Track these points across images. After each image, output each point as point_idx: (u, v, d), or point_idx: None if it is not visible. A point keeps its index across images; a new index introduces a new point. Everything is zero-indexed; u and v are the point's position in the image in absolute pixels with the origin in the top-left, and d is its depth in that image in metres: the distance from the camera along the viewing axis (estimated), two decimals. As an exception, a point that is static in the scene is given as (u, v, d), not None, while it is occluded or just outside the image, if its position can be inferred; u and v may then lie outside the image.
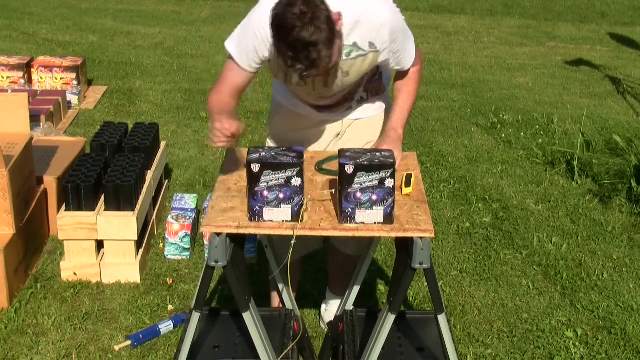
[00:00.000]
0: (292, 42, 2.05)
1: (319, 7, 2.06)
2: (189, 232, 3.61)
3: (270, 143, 2.80)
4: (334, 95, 2.57)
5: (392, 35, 2.34)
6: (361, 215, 2.07)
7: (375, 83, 2.66)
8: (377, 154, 2.12)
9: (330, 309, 3.06)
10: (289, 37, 2.05)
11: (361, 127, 2.70)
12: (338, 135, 2.71)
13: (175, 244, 3.60)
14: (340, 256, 2.93)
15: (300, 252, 2.83)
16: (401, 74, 2.54)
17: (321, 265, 3.44)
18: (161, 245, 3.71)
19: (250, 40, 2.33)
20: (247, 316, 2.18)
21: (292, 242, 2.08)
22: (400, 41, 2.39)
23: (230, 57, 2.41)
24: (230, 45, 2.40)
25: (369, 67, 2.45)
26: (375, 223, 2.08)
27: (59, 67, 5.90)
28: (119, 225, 3.34)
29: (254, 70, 2.42)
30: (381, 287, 3.43)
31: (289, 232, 2.10)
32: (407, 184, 2.28)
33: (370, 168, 2.04)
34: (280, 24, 2.07)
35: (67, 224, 3.32)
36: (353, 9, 2.26)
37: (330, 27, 2.08)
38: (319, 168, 2.42)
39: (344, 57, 2.32)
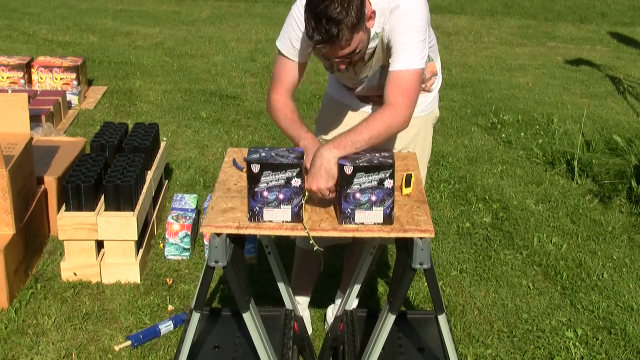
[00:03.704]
0: (317, 13, 2.14)
1: None
2: (189, 232, 3.61)
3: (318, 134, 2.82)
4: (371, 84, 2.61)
5: (398, 17, 2.33)
6: (360, 215, 2.07)
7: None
8: (377, 154, 2.13)
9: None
10: (316, 8, 2.15)
11: None
12: None
13: (175, 244, 3.60)
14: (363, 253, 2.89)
15: (326, 242, 2.75)
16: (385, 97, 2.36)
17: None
18: (161, 245, 3.71)
19: (291, 27, 2.42)
20: (247, 316, 2.19)
21: (316, 248, 2.10)
22: (399, 30, 2.32)
23: (279, 52, 2.51)
24: (278, 41, 2.50)
25: (383, 48, 2.44)
26: (374, 224, 2.09)
27: (59, 67, 5.90)
28: (119, 225, 3.34)
29: (302, 60, 2.47)
30: (381, 287, 3.43)
31: (288, 233, 2.11)
32: (407, 184, 2.28)
33: (369, 169, 2.04)
34: None
35: (67, 224, 3.32)
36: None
37: (358, 15, 2.17)
38: None
39: (375, 43, 2.41)
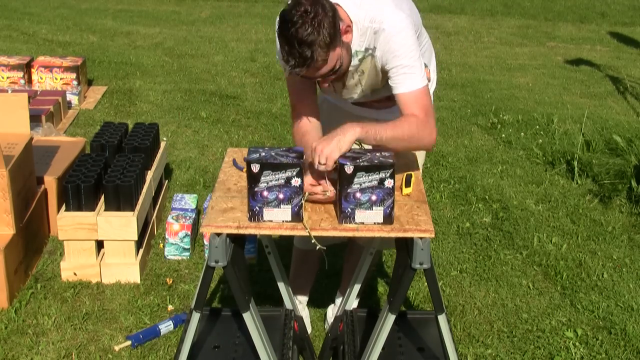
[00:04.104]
0: (288, 37, 2.10)
1: (325, 12, 2.11)
2: (189, 232, 3.61)
3: None
4: (363, 98, 2.56)
5: (388, 41, 2.27)
6: (361, 215, 2.07)
7: None
8: (377, 154, 2.13)
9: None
10: (287, 32, 2.10)
11: None
12: None
13: (175, 244, 3.60)
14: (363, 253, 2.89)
15: (326, 241, 2.75)
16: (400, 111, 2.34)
17: (320, 265, 3.43)
18: (161, 245, 3.71)
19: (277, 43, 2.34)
20: (247, 316, 2.19)
21: (318, 247, 2.10)
22: (395, 53, 2.28)
23: (284, 71, 2.41)
24: (277, 56, 2.41)
25: (377, 72, 2.40)
26: (374, 223, 2.09)
27: (59, 67, 5.90)
28: (119, 225, 3.34)
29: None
30: (381, 287, 3.43)
31: (289, 232, 2.11)
32: (407, 184, 2.28)
33: (369, 168, 2.04)
34: (283, 18, 2.13)
35: (67, 224, 3.32)
36: (365, 17, 2.27)
37: (331, 32, 2.12)
38: None
39: (356, 62, 2.34)
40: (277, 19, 2.17)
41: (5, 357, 2.86)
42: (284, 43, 2.13)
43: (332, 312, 3.13)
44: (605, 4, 11.70)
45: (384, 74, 2.36)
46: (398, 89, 2.30)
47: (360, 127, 2.19)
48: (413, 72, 2.29)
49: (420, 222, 2.11)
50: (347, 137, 2.15)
